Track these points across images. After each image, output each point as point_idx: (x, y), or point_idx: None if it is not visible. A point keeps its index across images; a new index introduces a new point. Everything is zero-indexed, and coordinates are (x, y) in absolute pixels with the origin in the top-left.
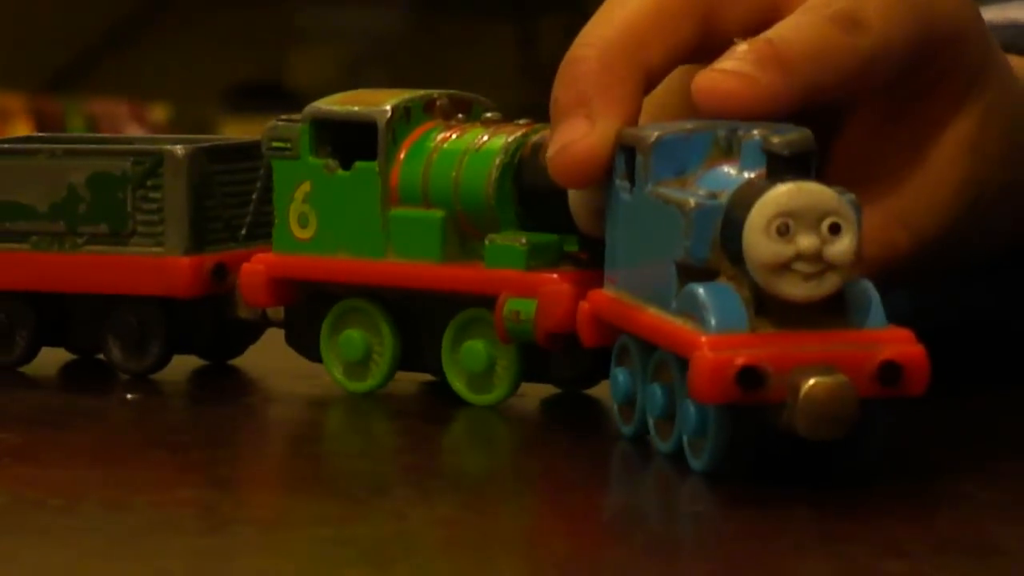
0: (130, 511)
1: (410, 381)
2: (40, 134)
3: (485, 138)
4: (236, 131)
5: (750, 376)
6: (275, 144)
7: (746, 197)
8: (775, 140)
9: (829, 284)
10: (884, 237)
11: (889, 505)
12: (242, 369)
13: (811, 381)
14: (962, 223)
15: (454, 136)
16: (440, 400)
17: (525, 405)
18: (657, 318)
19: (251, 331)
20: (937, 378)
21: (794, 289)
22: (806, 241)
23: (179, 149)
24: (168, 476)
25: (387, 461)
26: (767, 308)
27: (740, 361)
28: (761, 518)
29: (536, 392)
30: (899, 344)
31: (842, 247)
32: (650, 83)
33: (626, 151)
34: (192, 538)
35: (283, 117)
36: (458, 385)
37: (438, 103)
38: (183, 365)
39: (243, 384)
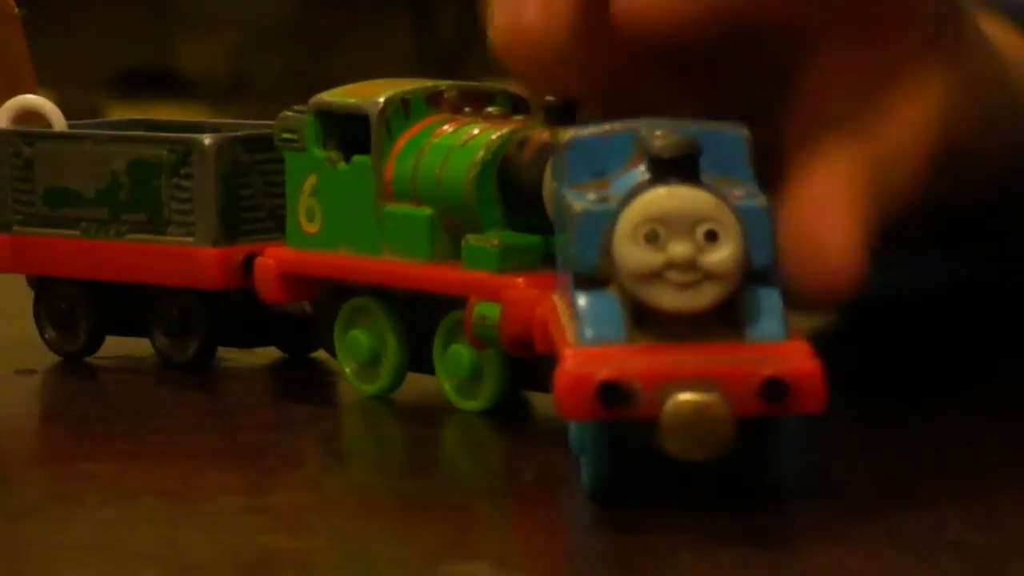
0: (27, 485)
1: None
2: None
3: (476, 132)
4: None
5: (612, 392)
6: (284, 135)
7: (623, 202)
8: (657, 143)
9: (707, 295)
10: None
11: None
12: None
13: (678, 398)
14: (937, 185)
15: (449, 130)
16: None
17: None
18: (559, 327)
19: (300, 324)
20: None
21: (667, 299)
22: (678, 248)
23: (207, 138)
24: (67, 450)
25: (299, 431)
26: (650, 320)
27: (602, 375)
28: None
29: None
30: (788, 358)
31: (720, 256)
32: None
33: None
34: (94, 509)
35: (295, 108)
36: (447, 388)
37: (445, 95)
38: (264, 356)
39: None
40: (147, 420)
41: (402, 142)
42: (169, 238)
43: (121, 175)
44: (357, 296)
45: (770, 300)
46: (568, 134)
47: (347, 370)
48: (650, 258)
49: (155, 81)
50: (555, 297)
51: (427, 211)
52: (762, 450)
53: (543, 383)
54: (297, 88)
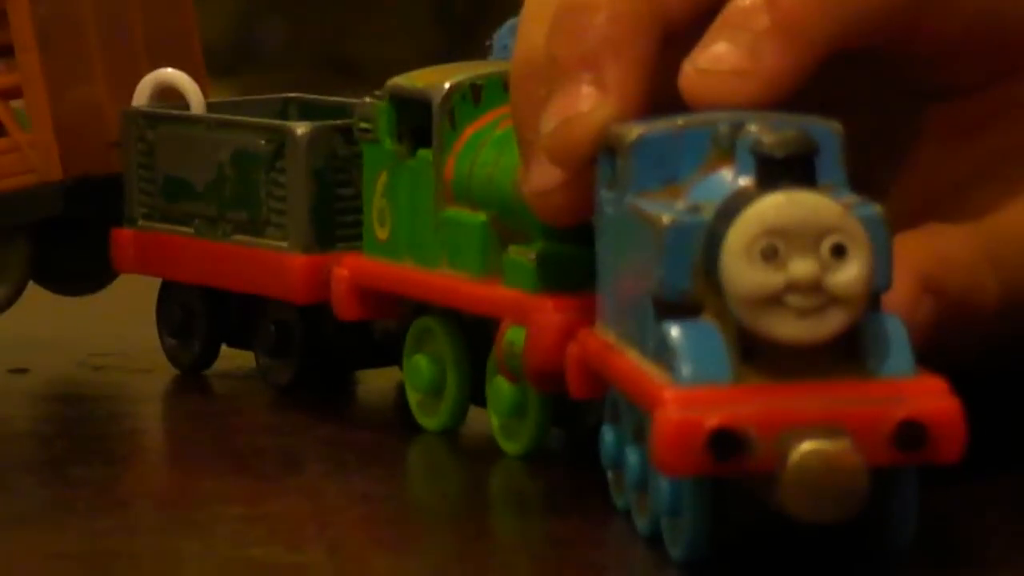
0: (17, 492)
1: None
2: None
3: None
4: None
5: (725, 441)
6: (362, 125)
7: (729, 212)
8: (767, 139)
9: (832, 322)
10: (967, 278)
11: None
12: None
13: (804, 447)
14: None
15: None
16: (374, 383)
17: None
18: (631, 364)
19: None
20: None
21: (786, 328)
22: (801, 267)
23: (300, 127)
24: (58, 454)
25: (299, 436)
26: (758, 353)
27: (713, 422)
28: None
29: None
30: (924, 397)
31: (849, 274)
32: (669, 40)
33: (610, 154)
34: (87, 519)
35: (375, 93)
36: (494, 423)
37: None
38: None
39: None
40: (143, 422)
41: (468, 134)
42: (267, 241)
43: (227, 167)
44: (424, 315)
45: (894, 328)
46: (634, 131)
47: (411, 400)
48: (769, 279)
49: None
50: (600, 330)
51: (480, 217)
52: (882, 511)
53: (584, 421)
54: (305, 58)
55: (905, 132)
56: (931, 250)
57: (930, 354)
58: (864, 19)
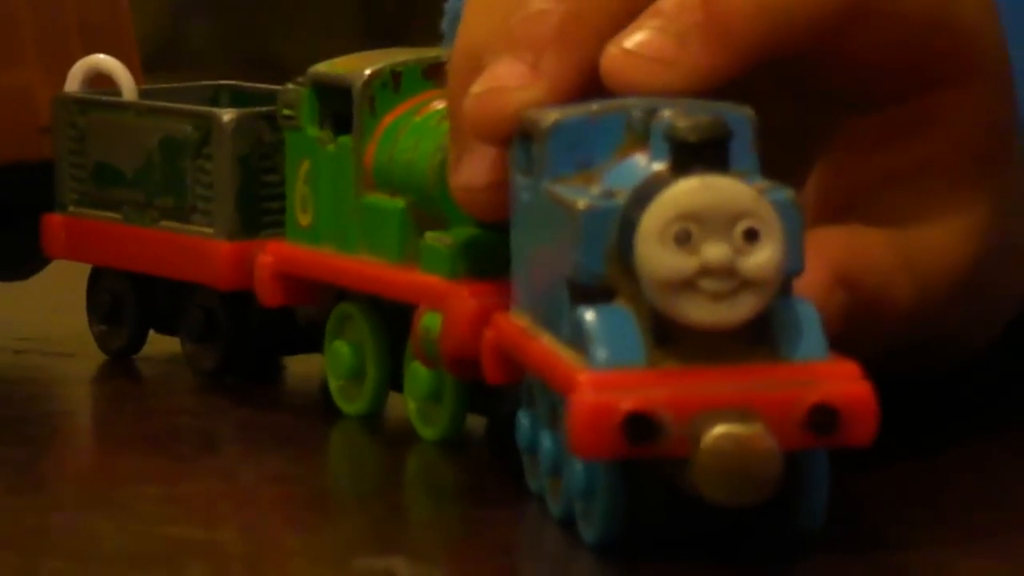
0: None
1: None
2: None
3: None
4: None
5: (639, 425)
6: (285, 112)
7: (643, 196)
8: (681, 124)
9: (745, 306)
10: (881, 276)
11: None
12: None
13: (716, 431)
14: (972, 298)
15: (437, 108)
16: (298, 369)
17: None
18: (545, 349)
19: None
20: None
21: (699, 312)
22: (714, 251)
23: (226, 114)
24: None
25: (218, 418)
26: (672, 337)
27: (627, 406)
28: None
29: None
30: (837, 381)
31: (761, 258)
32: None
33: (525, 139)
34: (3, 497)
35: (297, 80)
36: (411, 408)
37: (447, 67)
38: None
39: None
40: (62, 404)
41: (388, 121)
42: (193, 228)
43: (155, 153)
44: (345, 301)
45: (806, 313)
46: (550, 116)
47: (332, 386)
48: (683, 263)
49: None
50: (514, 315)
51: (399, 203)
52: (792, 493)
53: (499, 407)
54: (233, 58)
55: (826, 136)
56: (847, 245)
57: (835, 349)
58: (797, 29)
